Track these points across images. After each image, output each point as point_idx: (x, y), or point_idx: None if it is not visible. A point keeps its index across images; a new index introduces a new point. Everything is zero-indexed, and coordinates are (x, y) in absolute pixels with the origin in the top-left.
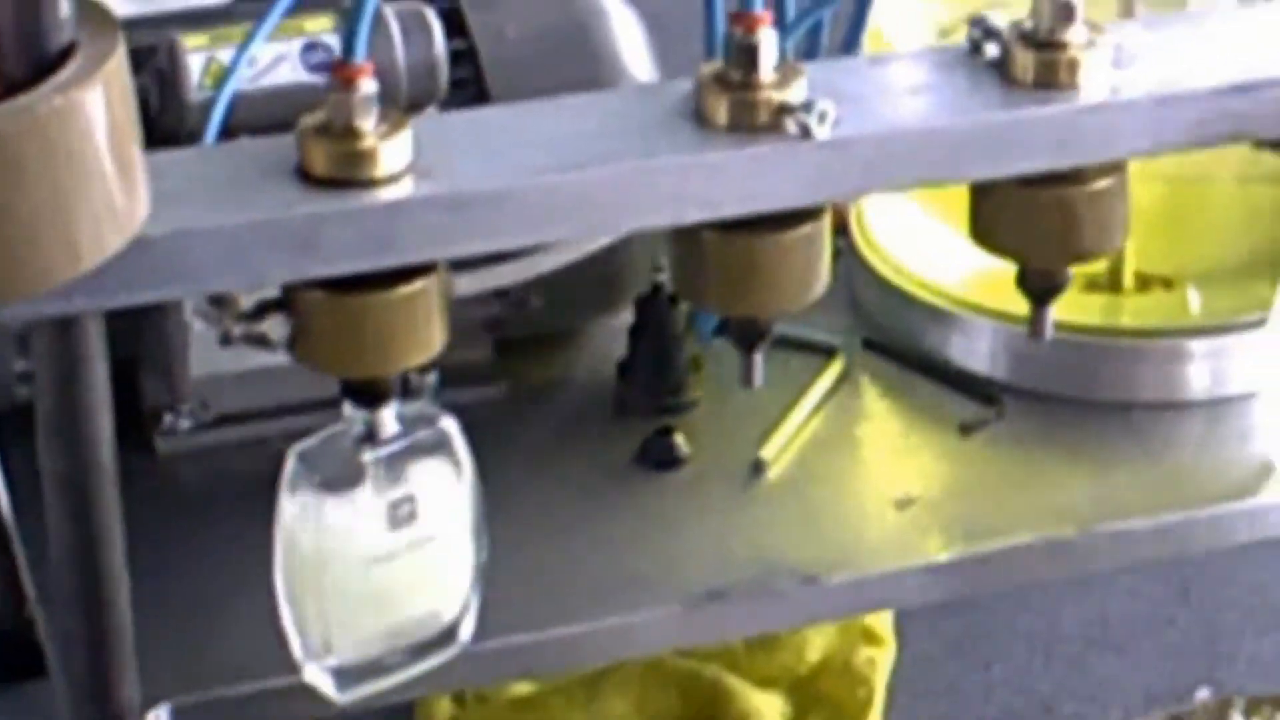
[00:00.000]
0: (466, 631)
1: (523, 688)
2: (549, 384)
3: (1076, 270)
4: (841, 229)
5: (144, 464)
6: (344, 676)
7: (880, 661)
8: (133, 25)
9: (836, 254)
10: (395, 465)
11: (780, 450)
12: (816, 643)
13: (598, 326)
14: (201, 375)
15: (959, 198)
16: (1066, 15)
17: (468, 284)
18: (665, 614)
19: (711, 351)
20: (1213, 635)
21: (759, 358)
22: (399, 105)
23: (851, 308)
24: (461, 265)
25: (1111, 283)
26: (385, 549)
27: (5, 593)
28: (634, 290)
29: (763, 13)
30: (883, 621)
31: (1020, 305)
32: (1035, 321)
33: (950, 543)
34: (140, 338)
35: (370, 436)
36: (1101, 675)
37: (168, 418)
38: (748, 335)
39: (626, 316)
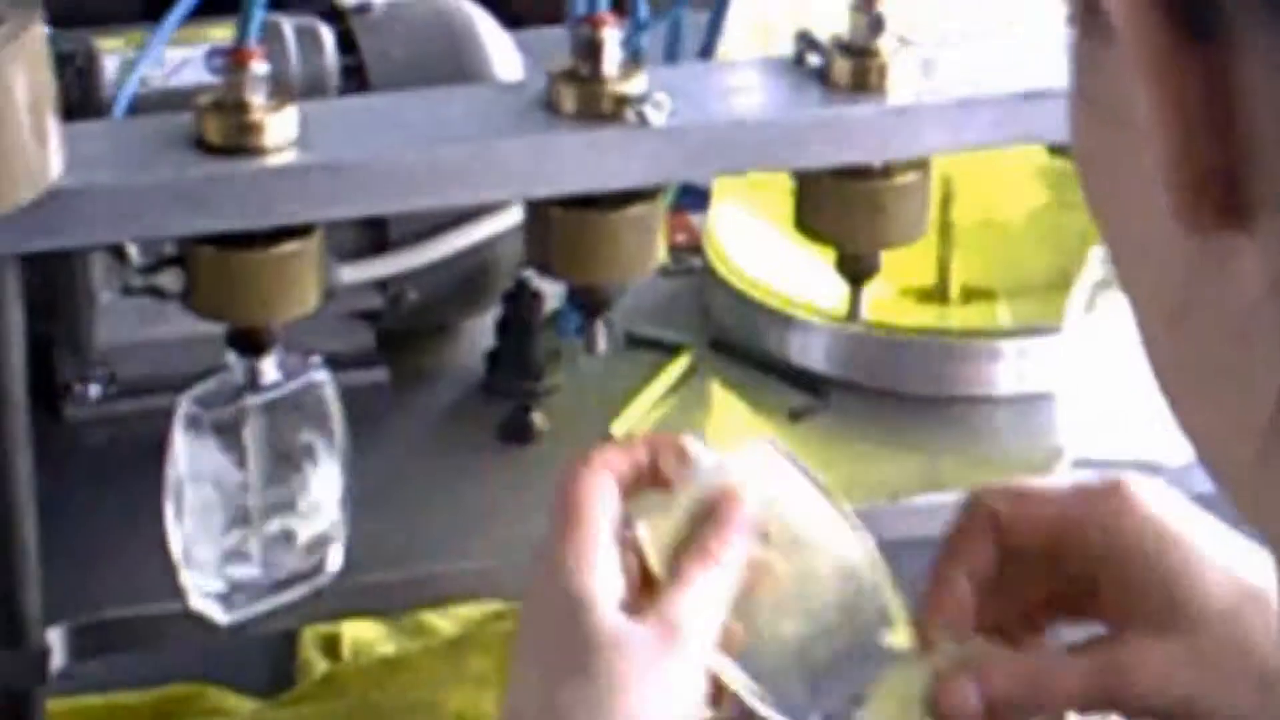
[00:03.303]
0: (334, 564)
1: (389, 648)
2: (424, 371)
3: (910, 285)
4: (696, 248)
5: (55, 430)
6: (226, 603)
7: None
8: (58, 34)
9: (689, 270)
10: (276, 412)
11: (628, 430)
12: None
13: (469, 320)
14: (108, 347)
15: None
16: (877, 27)
17: (351, 274)
18: (518, 562)
19: (570, 349)
20: None
21: (600, 326)
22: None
23: (703, 314)
24: (345, 257)
25: (940, 295)
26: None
27: None
28: (501, 287)
29: (606, 14)
30: None
31: None
32: (851, 304)
33: None
34: (53, 315)
35: (253, 383)
36: None
37: (77, 388)
38: (591, 302)
39: (495, 311)
